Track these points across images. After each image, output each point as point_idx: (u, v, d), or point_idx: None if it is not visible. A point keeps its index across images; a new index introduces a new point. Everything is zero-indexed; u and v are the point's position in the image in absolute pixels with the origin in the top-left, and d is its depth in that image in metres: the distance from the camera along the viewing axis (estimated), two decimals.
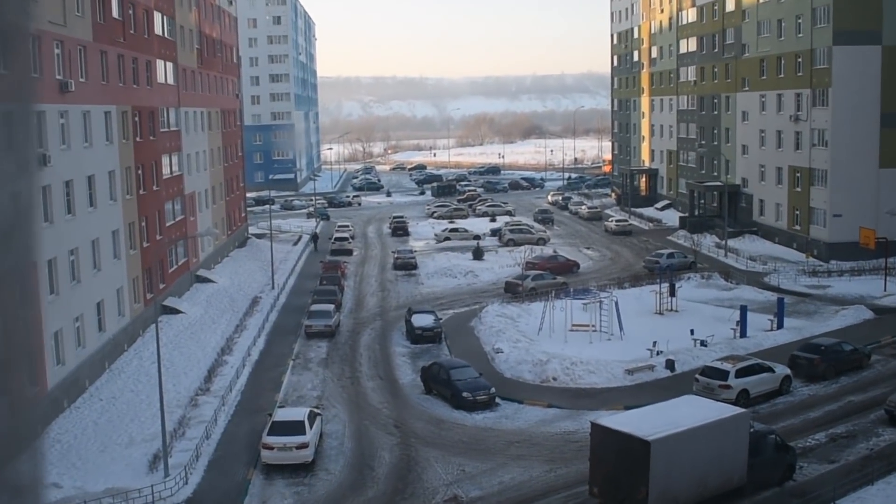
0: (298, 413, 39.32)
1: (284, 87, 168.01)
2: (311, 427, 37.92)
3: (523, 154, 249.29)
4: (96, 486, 35.29)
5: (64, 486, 35.38)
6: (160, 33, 68.65)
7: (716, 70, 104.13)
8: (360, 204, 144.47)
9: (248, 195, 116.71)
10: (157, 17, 67.86)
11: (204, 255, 79.11)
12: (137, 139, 61.05)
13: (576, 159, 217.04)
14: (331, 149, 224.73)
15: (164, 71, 69.47)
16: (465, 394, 44.33)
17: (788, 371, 46.46)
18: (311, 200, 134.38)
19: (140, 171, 61.46)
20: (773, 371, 45.49)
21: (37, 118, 43.24)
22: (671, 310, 62.67)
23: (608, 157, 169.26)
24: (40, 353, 42.13)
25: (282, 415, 39.31)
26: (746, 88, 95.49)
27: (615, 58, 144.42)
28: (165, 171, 68.56)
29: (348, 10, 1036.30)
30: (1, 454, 3.22)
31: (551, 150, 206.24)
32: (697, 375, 44.99)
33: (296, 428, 37.37)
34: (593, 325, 56.34)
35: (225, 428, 42.63)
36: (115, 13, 57.24)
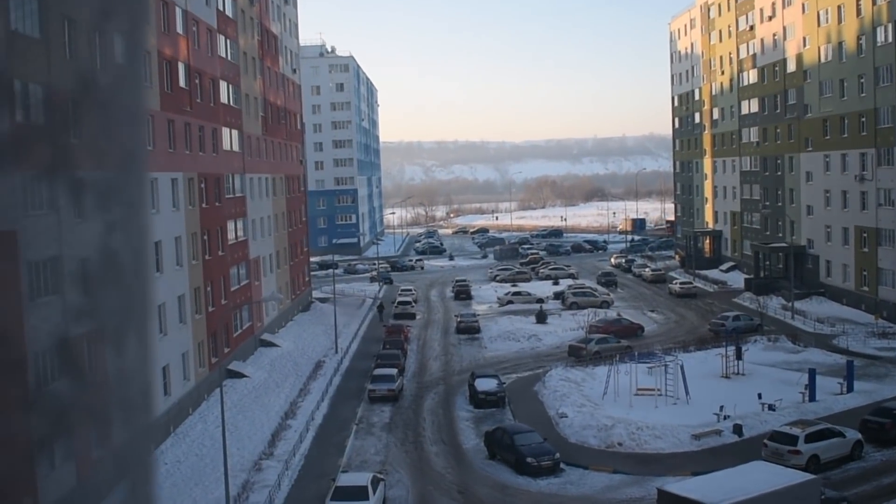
0: (362, 478, 39.20)
1: (347, 152, 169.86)
2: (374, 493, 37.78)
3: (586, 217, 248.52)
4: None
5: None
6: (226, 102, 70.00)
7: (778, 131, 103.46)
8: (422, 268, 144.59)
9: (312, 259, 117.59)
10: (223, 85, 69.24)
11: (268, 319, 79.72)
12: (203, 205, 62.05)
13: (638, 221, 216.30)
14: (393, 213, 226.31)
15: (229, 138, 70.71)
16: (529, 459, 43.90)
17: (859, 436, 45.37)
18: (375, 264, 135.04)
19: (206, 237, 62.38)
20: (844, 436, 44.49)
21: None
22: (738, 373, 61.72)
23: (671, 218, 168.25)
24: None
25: (345, 480, 39.21)
26: (810, 149, 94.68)
27: (676, 119, 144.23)
28: (231, 236, 69.52)
29: (410, 76, 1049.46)
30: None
31: (614, 213, 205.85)
32: (766, 440, 44.18)
33: (359, 493, 37.24)
34: (659, 390, 55.67)
35: (288, 493, 42.62)
36: (181, 83, 58.53)
